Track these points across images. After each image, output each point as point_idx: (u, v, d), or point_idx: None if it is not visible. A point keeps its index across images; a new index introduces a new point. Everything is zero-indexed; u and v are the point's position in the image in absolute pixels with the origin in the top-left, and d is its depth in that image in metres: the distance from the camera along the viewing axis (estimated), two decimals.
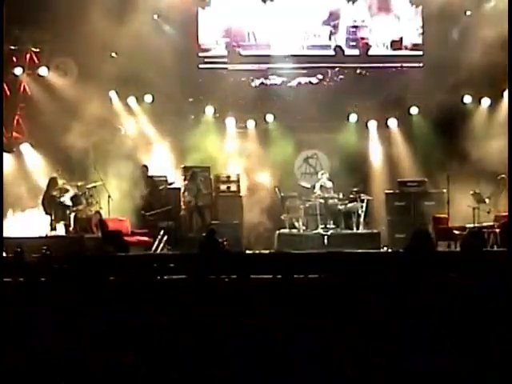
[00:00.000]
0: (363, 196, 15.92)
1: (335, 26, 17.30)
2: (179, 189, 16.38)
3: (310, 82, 17.49)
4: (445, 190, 15.48)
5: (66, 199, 15.40)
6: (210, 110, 17.26)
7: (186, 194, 16.01)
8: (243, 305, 5.88)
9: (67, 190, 15.49)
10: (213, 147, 17.08)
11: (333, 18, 17.31)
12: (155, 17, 16.89)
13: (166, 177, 16.38)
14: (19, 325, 5.35)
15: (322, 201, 15.82)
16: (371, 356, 4.54)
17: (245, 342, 4.41)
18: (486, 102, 16.99)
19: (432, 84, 16.63)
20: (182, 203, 16.22)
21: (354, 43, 17.34)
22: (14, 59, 16.53)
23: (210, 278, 7.89)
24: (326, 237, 15.24)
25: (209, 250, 13.17)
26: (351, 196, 15.92)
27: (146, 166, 16.19)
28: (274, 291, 6.69)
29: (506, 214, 13.73)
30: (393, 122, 17.37)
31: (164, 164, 16.62)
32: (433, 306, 5.77)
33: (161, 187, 16.03)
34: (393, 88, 16.93)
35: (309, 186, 16.85)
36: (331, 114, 16.79)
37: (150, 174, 16.14)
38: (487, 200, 14.91)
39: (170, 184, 16.20)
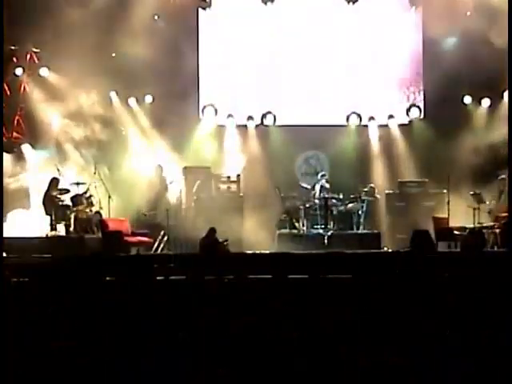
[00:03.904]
0: (363, 196, 15.95)
1: None
2: (180, 189, 16.45)
3: None
4: (445, 191, 15.50)
5: (67, 199, 15.43)
6: (210, 111, 17.30)
7: (194, 193, 16.09)
8: (243, 305, 5.88)
9: (67, 191, 15.51)
10: (213, 147, 17.12)
11: None
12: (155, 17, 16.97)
13: (164, 177, 16.44)
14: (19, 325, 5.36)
15: (322, 201, 15.83)
16: (370, 356, 4.55)
17: (244, 343, 4.42)
18: (485, 102, 17.04)
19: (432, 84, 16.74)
20: (183, 203, 16.31)
21: None
22: (15, 59, 16.55)
23: (209, 278, 7.89)
24: (326, 237, 15.23)
25: (209, 249, 13.17)
26: (352, 196, 15.95)
27: (161, 166, 16.31)
28: (274, 291, 6.69)
29: (506, 214, 13.72)
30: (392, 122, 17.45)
31: (164, 164, 16.63)
32: (433, 306, 5.77)
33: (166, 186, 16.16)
34: None
35: (309, 186, 16.86)
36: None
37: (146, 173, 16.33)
38: (486, 199, 14.94)
39: (170, 183, 16.23)
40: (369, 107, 17.40)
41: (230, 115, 17.37)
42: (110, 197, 15.41)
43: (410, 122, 17.42)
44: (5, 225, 14.90)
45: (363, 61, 17.37)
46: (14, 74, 16.54)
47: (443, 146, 16.44)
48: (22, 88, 16.72)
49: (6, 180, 15.66)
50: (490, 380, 4.11)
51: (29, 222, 15.56)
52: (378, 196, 16.42)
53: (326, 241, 15.18)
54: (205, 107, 17.35)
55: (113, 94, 17.02)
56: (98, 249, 13.97)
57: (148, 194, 16.00)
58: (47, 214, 15.27)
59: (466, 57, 16.16)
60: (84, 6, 15.84)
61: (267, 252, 14.35)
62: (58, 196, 15.38)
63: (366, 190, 16.12)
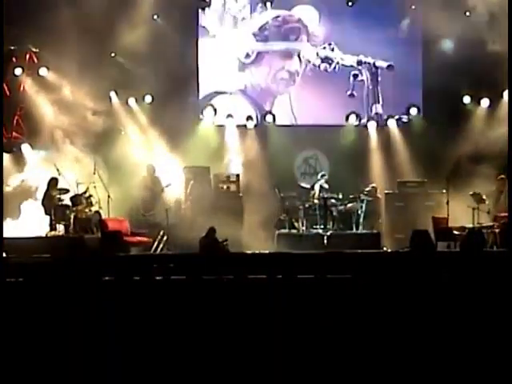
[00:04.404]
0: (363, 196, 15.98)
1: None
2: (179, 189, 16.45)
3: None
4: (444, 191, 15.50)
5: (66, 199, 15.44)
6: (209, 111, 17.32)
7: (189, 192, 16.11)
8: (242, 305, 5.88)
9: (67, 190, 15.52)
10: (212, 147, 17.13)
11: None
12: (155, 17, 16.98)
13: (157, 177, 16.46)
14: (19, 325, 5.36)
15: (321, 201, 15.84)
16: (370, 356, 4.55)
17: (243, 343, 4.41)
18: (485, 102, 17.06)
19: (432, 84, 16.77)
20: (183, 202, 16.32)
21: None
22: (14, 59, 16.55)
23: (209, 278, 7.89)
24: (325, 237, 15.23)
25: (209, 249, 13.15)
26: (351, 196, 15.98)
27: (152, 166, 16.33)
28: (273, 291, 6.69)
29: (506, 214, 13.72)
30: (392, 123, 17.47)
31: (164, 164, 16.64)
32: (432, 307, 5.77)
33: (162, 187, 16.15)
34: None
35: (308, 186, 16.90)
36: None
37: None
38: (486, 199, 14.94)
39: (167, 186, 16.22)
40: (368, 107, 17.41)
41: (229, 115, 17.38)
42: (109, 196, 15.42)
43: (410, 121, 17.44)
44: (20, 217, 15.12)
45: (362, 61, 17.36)
46: (14, 73, 16.54)
47: (442, 145, 16.44)
48: (22, 88, 16.73)
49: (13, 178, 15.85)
50: (490, 380, 4.11)
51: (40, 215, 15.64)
52: (379, 196, 16.47)
53: (325, 241, 15.19)
54: (204, 107, 17.36)
55: (112, 94, 17.04)
56: (97, 249, 13.95)
57: (144, 194, 16.01)
58: (47, 213, 15.29)
59: (466, 56, 16.16)
60: (83, 5, 15.83)
61: (267, 252, 14.35)
62: (58, 196, 15.39)
63: (368, 189, 16.18)
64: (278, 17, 17.50)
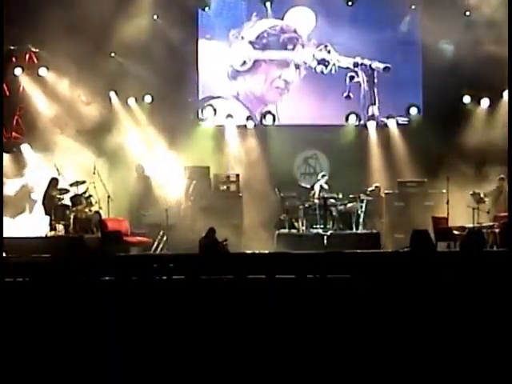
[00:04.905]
0: (362, 196, 16.00)
1: None
2: (178, 189, 16.46)
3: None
4: (444, 191, 15.51)
5: (66, 199, 15.45)
6: (209, 111, 17.33)
7: (191, 193, 16.12)
8: (242, 305, 5.88)
9: (67, 191, 15.53)
10: (212, 147, 17.13)
11: None
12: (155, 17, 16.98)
13: (148, 176, 16.47)
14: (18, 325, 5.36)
15: (321, 201, 15.85)
16: (371, 356, 4.55)
17: (243, 343, 4.41)
18: (485, 102, 17.07)
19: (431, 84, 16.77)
20: (183, 202, 16.32)
21: None
22: (14, 59, 16.56)
23: (209, 278, 7.89)
24: (325, 237, 15.24)
25: (208, 249, 13.15)
26: (351, 196, 15.99)
27: (141, 165, 16.34)
28: (273, 291, 6.69)
29: (506, 214, 13.73)
30: (392, 123, 17.47)
31: (163, 164, 16.64)
32: (432, 307, 5.77)
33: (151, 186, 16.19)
34: None
35: (308, 186, 16.91)
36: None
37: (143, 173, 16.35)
38: (486, 199, 14.95)
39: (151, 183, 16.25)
40: (364, 109, 17.42)
41: (229, 115, 17.39)
42: (109, 196, 15.43)
43: (409, 121, 17.45)
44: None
45: (359, 62, 17.36)
46: (14, 73, 16.55)
47: (442, 145, 16.45)
48: (21, 88, 16.74)
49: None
50: (490, 380, 4.11)
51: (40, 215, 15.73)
52: (382, 195, 16.53)
53: (325, 241, 15.19)
54: (204, 107, 17.37)
55: (112, 94, 17.04)
56: (97, 249, 13.96)
57: (138, 194, 16.03)
58: (47, 214, 15.29)
59: (466, 57, 16.18)
60: (83, 6, 15.83)
61: (267, 252, 14.36)
62: (58, 196, 15.41)
63: (371, 189, 16.24)
64: (275, 26, 17.50)
